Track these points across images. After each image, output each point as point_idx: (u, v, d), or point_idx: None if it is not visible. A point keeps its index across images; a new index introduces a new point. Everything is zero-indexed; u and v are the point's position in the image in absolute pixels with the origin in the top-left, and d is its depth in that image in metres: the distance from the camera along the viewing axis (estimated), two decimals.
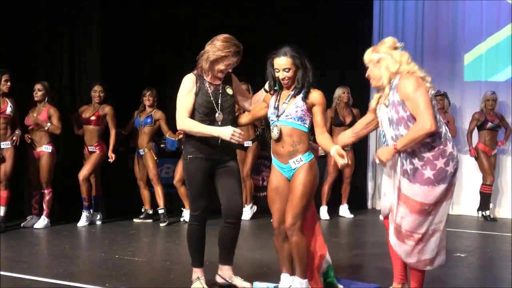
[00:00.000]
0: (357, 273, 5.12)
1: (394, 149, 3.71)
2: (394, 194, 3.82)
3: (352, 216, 8.21)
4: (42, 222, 7.07)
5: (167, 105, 7.72)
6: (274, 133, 3.96)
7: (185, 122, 4.22)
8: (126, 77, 8.29)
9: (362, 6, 9.37)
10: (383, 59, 3.80)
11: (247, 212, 8.00)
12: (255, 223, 7.79)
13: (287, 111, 3.96)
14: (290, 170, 3.97)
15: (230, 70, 4.32)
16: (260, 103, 4.31)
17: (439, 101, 8.17)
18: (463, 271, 5.20)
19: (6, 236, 6.44)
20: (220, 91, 4.31)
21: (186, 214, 7.48)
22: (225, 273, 4.47)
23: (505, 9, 8.68)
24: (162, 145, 8.49)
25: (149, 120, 7.62)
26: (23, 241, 6.28)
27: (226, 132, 4.12)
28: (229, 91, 4.36)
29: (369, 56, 3.89)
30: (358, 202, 9.09)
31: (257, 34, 8.71)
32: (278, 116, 3.98)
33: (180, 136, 5.72)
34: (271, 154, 4.11)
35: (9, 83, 6.86)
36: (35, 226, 7.03)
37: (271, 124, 4.05)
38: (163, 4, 8.95)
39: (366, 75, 3.94)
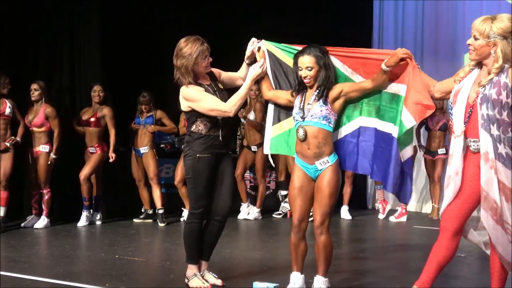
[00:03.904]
0: (358, 273, 5.14)
1: None
2: (487, 182, 3.56)
3: (350, 218, 8.18)
4: (42, 222, 7.07)
5: (167, 103, 7.73)
6: (300, 134, 4.01)
7: (230, 105, 4.24)
8: (126, 77, 8.28)
9: (362, 6, 9.37)
10: (500, 42, 3.69)
11: (255, 213, 8.05)
12: (255, 223, 7.80)
13: (311, 111, 4.00)
14: (316, 171, 4.03)
15: (211, 59, 4.35)
16: (286, 92, 4.23)
17: (439, 101, 8.15)
18: (463, 271, 5.20)
19: (6, 236, 6.43)
20: (215, 88, 4.38)
21: (186, 214, 7.47)
22: (200, 267, 4.50)
23: (505, 9, 8.66)
24: (162, 145, 8.51)
25: (150, 120, 7.62)
26: (23, 241, 6.28)
27: (257, 71, 4.27)
28: (221, 86, 4.45)
29: (487, 30, 3.75)
30: (358, 202, 9.07)
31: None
32: (303, 118, 4.02)
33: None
34: (295, 153, 4.13)
35: (9, 86, 6.92)
36: (35, 226, 7.03)
37: (295, 124, 4.09)
38: (163, 4, 8.95)
39: (469, 43, 3.73)
